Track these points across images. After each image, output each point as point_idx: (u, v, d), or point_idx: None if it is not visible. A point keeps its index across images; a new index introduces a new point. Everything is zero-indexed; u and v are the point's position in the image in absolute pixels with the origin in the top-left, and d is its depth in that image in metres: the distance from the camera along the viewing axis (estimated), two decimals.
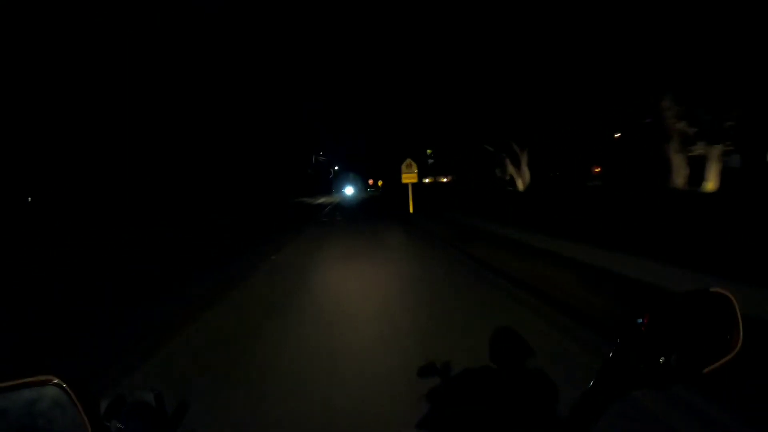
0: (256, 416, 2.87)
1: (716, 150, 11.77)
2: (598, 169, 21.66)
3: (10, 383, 0.70)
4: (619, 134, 20.80)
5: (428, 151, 58.70)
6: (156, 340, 4.48)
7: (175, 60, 25.55)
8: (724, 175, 11.88)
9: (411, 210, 19.19)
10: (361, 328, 4.49)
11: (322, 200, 40.72)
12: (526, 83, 18.89)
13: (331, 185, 77.11)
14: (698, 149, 12.11)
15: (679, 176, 12.57)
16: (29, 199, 22.16)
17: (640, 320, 0.76)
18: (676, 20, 10.23)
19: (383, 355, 3.75)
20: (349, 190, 61.47)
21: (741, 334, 0.79)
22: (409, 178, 18.26)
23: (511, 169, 22.49)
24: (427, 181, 58.93)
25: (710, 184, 11.91)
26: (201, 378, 3.50)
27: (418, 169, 20.06)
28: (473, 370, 2.92)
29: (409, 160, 18.13)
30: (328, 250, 10.10)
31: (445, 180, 55.73)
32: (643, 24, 10.87)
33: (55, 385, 0.70)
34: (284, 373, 3.49)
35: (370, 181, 56.63)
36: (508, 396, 2.71)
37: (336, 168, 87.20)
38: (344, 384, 3.25)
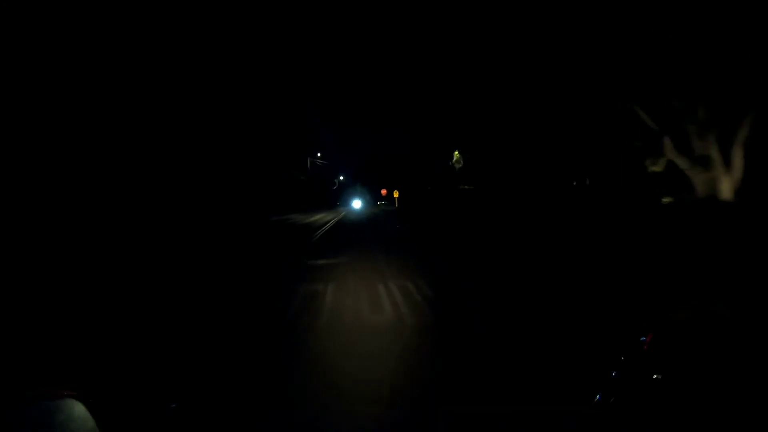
0: None
1: None
2: None
3: (28, 395, 0.71)
4: None
5: (455, 154, 46.83)
6: None
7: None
8: None
9: None
10: None
11: (316, 217, 28.65)
12: None
13: (335, 197, 65.71)
14: None
15: None
16: None
17: (643, 338, 0.77)
18: None
19: None
20: (356, 204, 51.61)
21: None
22: None
23: (716, 154, 10.37)
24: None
25: None
26: None
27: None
28: None
29: None
30: None
31: (466, 188, 43.44)
32: None
33: (72, 397, 0.72)
34: None
35: (383, 191, 44.42)
36: None
37: (341, 178, 76.09)
38: None
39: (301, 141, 36.70)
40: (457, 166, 45.99)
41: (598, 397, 0.78)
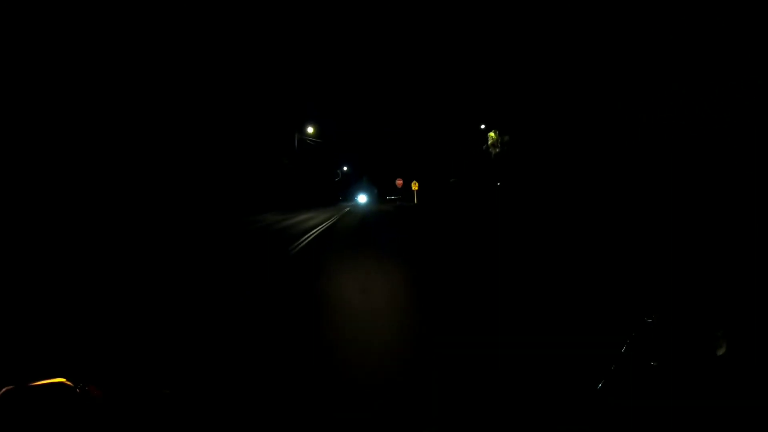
0: None
1: None
2: None
3: (26, 384, 0.75)
4: None
5: (491, 135, 36.73)
6: None
7: None
8: None
9: None
10: None
11: (300, 218, 18.95)
12: None
13: (337, 191, 56.32)
14: None
15: None
16: None
17: (649, 319, 0.78)
18: None
19: None
20: (362, 198, 45.54)
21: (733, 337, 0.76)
22: None
23: None
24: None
25: None
26: None
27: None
28: None
29: None
30: None
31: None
32: None
33: (68, 386, 0.76)
34: None
35: (398, 182, 34.13)
36: None
37: (345, 169, 66.57)
38: None
39: (287, 114, 26.69)
40: (494, 151, 36.07)
41: (600, 383, 0.75)
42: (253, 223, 16.48)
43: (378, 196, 54.28)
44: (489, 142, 35.47)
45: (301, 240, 10.42)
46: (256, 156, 22.95)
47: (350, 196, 54.22)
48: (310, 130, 28.29)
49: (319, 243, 9.98)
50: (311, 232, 12.03)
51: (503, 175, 34.38)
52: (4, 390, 0.73)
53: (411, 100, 45.50)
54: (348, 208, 28.93)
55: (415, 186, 30.46)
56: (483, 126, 36.79)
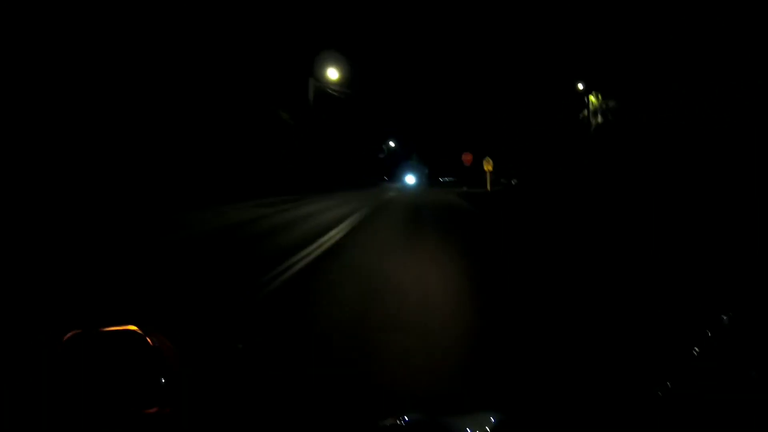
0: None
1: None
2: None
3: (94, 331, 0.72)
4: None
5: (592, 97, 26.83)
6: None
7: None
8: None
9: None
10: None
11: (286, 216, 10.38)
12: None
13: (382, 169, 48.25)
14: None
15: None
16: None
17: (725, 316, 0.71)
18: None
19: None
20: (410, 179, 40.90)
21: None
22: None
23: None
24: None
25: None
26: None
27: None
28: None
29: None
30: None
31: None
32: None
33: (135, 333, 0.73)
34: None
35: (467, 157, 24.13)
36: None
37: (391, 144, 57.83)
38: None
39: (296, 52, 17.59)
40: (594, 121, 26.27)
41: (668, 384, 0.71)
42: (181, 228, 8.13)
43: (429, 178, 45.39)
44: (590, 108, 25.88)
45: None
46: (229, 109, 14.35)
47: (397, 176, 45.85)
48: (333, 75, 18.71)
49: None
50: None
51: (606, 153, 24.30)
52: (71, 334, 0.69)
53: (476, 48, 35.54)
54: (392, 194, 20.37)
55: (488, 166, 21.13)
56: (581, 86, 26.97)
